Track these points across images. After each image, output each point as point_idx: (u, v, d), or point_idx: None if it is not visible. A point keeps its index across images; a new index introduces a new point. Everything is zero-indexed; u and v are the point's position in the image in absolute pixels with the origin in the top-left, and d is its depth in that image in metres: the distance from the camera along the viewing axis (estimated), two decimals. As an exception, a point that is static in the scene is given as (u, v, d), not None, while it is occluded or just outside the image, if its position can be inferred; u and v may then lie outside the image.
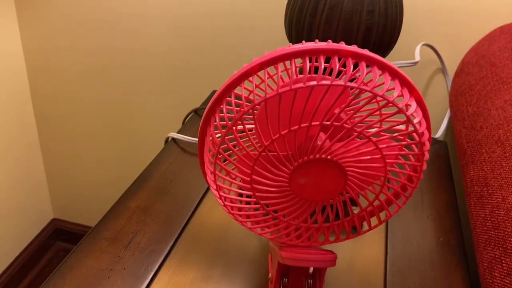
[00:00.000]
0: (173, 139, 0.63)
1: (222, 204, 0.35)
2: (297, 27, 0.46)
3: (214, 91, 0.78)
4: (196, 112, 0.71)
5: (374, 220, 0.36)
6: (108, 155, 1.01)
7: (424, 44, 0.68)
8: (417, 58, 0.59)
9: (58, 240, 1.18)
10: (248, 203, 0.36)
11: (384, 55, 0.48)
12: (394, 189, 0.35)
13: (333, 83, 0.28)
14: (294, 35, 0.47)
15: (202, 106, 0.72)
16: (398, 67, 0.31)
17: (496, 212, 0.42)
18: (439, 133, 0.72)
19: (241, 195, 0.35)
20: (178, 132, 0.65)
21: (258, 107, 0.32)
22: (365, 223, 0.38)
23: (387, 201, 0.36)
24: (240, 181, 0.34)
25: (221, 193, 0.35)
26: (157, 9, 0.80)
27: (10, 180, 1.00)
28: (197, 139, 0.58)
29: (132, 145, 0.98)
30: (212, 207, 0.52)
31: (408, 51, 0.69)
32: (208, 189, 0.54)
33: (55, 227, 1.17)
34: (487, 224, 0.43)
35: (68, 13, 0.85)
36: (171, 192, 0.53)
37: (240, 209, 0.36)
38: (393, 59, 0.67)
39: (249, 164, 0.32)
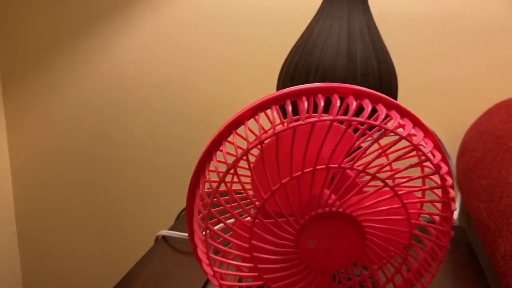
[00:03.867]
0: (164, 237, 0.57)
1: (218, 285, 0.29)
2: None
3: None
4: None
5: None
6: (97, 258, 0.92)
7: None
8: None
9: None
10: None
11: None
12: (419, 259, 0.30)
13: (336, 117, 0.25)
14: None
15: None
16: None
17: (544, 284, 0.36)
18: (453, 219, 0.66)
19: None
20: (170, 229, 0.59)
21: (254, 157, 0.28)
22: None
23: (414, 274, 0.30)
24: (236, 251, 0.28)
25: (215, 269, 0.29)
26: (147, 104, 0.80)
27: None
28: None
29: (122, 246, 0.90)
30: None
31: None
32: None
33: None
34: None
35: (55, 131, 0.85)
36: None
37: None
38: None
39: (247, 226, 0.27)
